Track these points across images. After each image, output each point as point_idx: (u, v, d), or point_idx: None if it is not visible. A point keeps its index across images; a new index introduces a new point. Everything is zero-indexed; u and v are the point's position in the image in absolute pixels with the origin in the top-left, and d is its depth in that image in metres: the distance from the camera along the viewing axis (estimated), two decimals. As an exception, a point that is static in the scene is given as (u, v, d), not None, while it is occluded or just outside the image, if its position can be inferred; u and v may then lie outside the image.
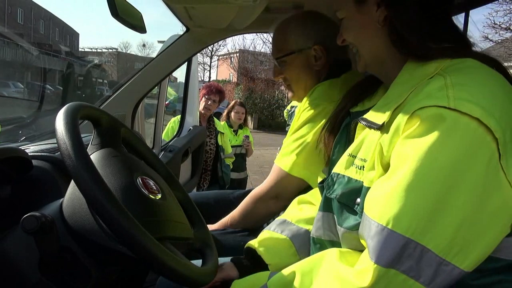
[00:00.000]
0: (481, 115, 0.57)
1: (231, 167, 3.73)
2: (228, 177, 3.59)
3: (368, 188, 0.67)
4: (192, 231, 0.83)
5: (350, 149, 0.77)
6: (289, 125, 9.28)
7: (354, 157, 0.74)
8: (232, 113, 3.95)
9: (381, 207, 0.61)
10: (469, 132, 0.58)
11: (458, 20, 0.85)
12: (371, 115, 0.73)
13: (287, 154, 1.22)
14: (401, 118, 0.64)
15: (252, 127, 15.28)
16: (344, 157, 0.77)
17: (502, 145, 0.58)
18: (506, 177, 0.58)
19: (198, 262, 0.82)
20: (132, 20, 1.19)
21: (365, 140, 0.73)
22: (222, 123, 3.82)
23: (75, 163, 0.59)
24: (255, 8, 1.43)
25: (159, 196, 0.75)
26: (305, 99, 1.24)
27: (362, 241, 0.66)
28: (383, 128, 0.68)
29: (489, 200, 0.58)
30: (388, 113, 0.68)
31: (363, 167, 0.70)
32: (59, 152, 1.08)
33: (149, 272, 1.19)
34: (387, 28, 0.74)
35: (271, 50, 1.40)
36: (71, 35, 32.16)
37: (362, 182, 0.70)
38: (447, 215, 0.57)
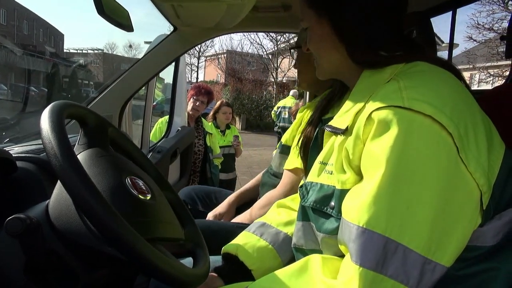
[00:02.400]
0: (433, 113, 0.60)
1: (220, 167, 3.71)
2: (217, 177, 3.57)
3: (341, 190, 0.69)
4: (182, 232, 0.81)
5: (320, 157, 0.79)
6: (277, 125, 9.29)
7: (325, 164, 0.76)
8: (220, 114, 3.93)
9: (359, 210, 0.62)
10: (424, 129, 0.61)
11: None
12: (335, 122, 0.76)
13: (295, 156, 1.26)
14: (360, 121, 0.66)
15: (240, 127, 15.26)
16: (316, 165, 0.79)
17: (458, 139, 0.60)
18: (467, 169, 0.60)
19: (186, 261, 0.81)
20: (119, 18, 1.17)
21: (334, 146, 0.74)
22: (210, 124, 3.79)
23: (62, 163, 0.57)
24: (244, 7, 1.42)
25: (149, 196, 0.74)
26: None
27: (342, 247, 0.67)
28: (346, 132, 0.70)
29: (455, 193, 0.60)
30: (350, 118, 0.70)
31: (332, 172, 0.72)
32: (44, 153, 1.06)
33: (138, 275, 1.17)
34: (342, 42, 0.77)
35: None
36: (56, 36, 31.70)
37: (334, 186, 0.71)
38: (419, 212, 0.59)
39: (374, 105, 0.64)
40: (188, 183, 3.14)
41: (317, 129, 0.89)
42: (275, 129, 8.41)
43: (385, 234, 0.58)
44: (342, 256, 0.68)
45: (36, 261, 0.66)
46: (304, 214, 0.81)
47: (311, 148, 0.89)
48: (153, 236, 0.67)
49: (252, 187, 1.71)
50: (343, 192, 0.68)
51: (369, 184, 0.62)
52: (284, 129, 7.81)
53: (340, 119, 0.74)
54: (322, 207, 0.73)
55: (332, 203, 0.71)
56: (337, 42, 0.77)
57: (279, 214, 1.06)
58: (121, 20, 1.19)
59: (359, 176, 0.67)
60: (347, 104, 0.75)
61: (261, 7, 1.76)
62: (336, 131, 0.73)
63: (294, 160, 1.27)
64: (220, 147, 3.76)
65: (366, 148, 0.65)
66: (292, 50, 1.49)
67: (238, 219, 1.42)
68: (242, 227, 1.32)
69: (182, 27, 1.77)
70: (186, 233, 0.83)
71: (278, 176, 1.43)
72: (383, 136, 0.62)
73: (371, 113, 0.64)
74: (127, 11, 1.25)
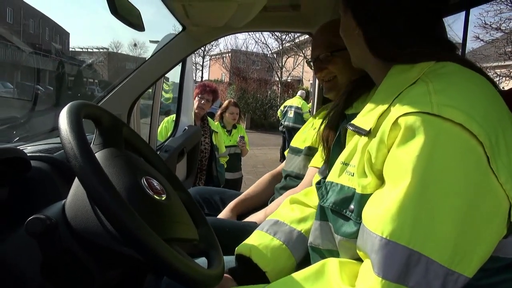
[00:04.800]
0: (463, 121, 0.58)
1: (225, 166, 3.71)
2: (223, 176, 3.57)
3: (361, 195, 0.68)
4: (196, 232, 0.81)
5: (342, 157, 0.77)
6: (282, 124, 9.24)
7: (347, 164, 0.74)
8: (227, 114, 3.93)
9: (382, 220, 0.60)
10: (453, 138, 0.58)
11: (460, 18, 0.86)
12: (358, 121, 0.74)
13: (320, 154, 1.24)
14: (385, 125, 0.64)
15: (245, 127, 15.23)
16: (337, 165, 0.77)
17: (489, 148, 0.58)
18: (497, 180, 0.58)
19: (200, 261, 0.81)
20: (131, 17, 1.17)
21: (357, 146, 0.73)
22: (216, 123, 3.80)
23: (82, 164, 0.57)
24: (254, 6, 1.42)
25: (164, 196, 0.74)
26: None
27: (361, 254, 0.65)
28: (370, 134, 0.69)
29: (482, 204, 0.58)
30: (374, 119, 0.68)
31: (354, 173, 0.71)
32: (57, 153, 1.07)
33: (147, 275, 1.17)
34: (363, 36, 0.77)
35: (311, 46, 1.40)
36: (62, 35, 31.84)
37: (354, 189, 0.70)
38: (444, 223, 0.57)
39: (401, 109, 0.62)
40: (195, 182, 3.15)
41: (341, 125, 0.87)
42: (280, 128, 8.41)
43: (409, 245, 0.57)
44: (359, 259, 0.67)
45: (53, 261, 0.67)
46: (322, 213, 0.80)
47: (334, 145, 0.87)
48: (169, 237, 0.67)
49: (253, 194, 1.67)
50: (364, 197, 0.67)
51: (394, 193, 0.60)
52: (289, 128, 7.85)
53: (364, 118, 0.72)
54: (341, 209, 0.72)
55: (352, 206, 0.69)
56: (358, 32, 0.77)
57: (292, 210, 1.04)
58: (133, 20, 1.19)
59: (381, 180, 0.66)
60: (371, 103, 0.73)
61: (270, 6, 1.75)
62: (359, 132, 0.71)
63: (321, 159, 1.25)
64: (226, 146, 3.76)
65: (391, 154, 0.63)
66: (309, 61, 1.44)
67: (252, 218, 1.40)
68: (255, 226, 1.32)
69: (191, 26, 1.77)
70: (200, 233, 0.83)
71: (301, 178, 1.41)
72: (409, 144, 0.60)
73: (397, 118, 0.62)
74: (138, 10, 1.25)
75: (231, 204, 1.59)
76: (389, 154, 0.63)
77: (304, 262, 0.93)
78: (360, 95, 0.89)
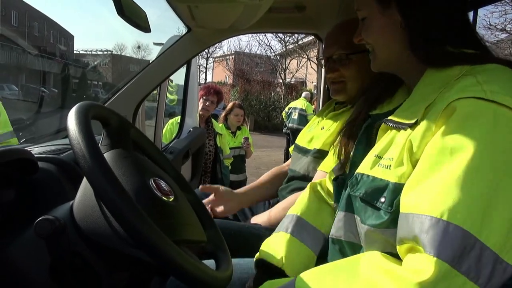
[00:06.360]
0: None
1: (230, 168, 3.71)
2: (228, 178, 3.57)
3: (395, 184, 0.66)
4: (204, 234, 0.81)
5: (376, 150, 0.76)
6: (286, 126, 9.19)
7: (380, 157, 0.73)
8: (231, 115, 3.93)
9: (431, 199, 0.58)
10: (510, 123, 0.59)
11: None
12: (398, 116, 0.74)
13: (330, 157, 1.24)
14: (434, 113, 0.64)
15: (248, 128, 15.23)
16: (370, 158, 0.76)
17: None
18: None
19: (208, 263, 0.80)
20: (137, 19, 1.17)
21: (394, 141, 0.73)
22: (220, 125, 3.80)
23: (91, 164, 0.57)
24: (260, 8, 1.41)
25: (172, 198, 0.73)
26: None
27: (403, 246, 0.62)
28: (414, 126, 0.68)
29: None
30: (421, 111, 0.68)
31: (390, 166, 0.69)
32: (64, 154, 1.07)
33: (153, 277, 1.17)
34: (407, 34, 0.75)
35: (323, 48, 1.37)
36: (66, 37, 32.01)
37: (388, 181, 0.68)
38: (500, 208, 0.56)
39: (453, 96, 0.62)
40: (199, 184, 3.15)
41: (365, 123, 0.87)
42: (284, 130, 8.39)
43: (464, 226, 0.55)
44: (386, 253, 0.65)
45: (61, 263, 0.66)
46: (348, 204, 0.79)
47: (357, 142, 0.87)
48: (178, 238, 0.67)
49: (261, 184, 1.65)
50: (398, 186, 0.66)
51: (443, 173, 0.59)
52: (292, 130, 7.83)
53: (406, 113, 0.72)
54: (372, 200, 0.70)
55: (383, 199, 0.68)
56: (399, 33, 0.76)
57: (319, 209, 1.01)
58: (139, 21, 1.19)
59: None
60: (411, 99, 0.74)
61: (275, 8, 1.75)
62: (400, 126, 0.71)
63: (331, 164, 1.23)
64: (231, 148, 3.76)
65: (437, 136, 0.62)
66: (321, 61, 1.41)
67: (256, 220, 1.39)
68: (260, 229, 1.30)
69: (196, 28, 1.77)
70: (207, 235, 0.82)
71: (307, 179, 1.38)
72: (465, 125, 0.60)
73: (450, 103, 0.62)
74: (144, 12, 1.26)
75: (244, 188, 1.58)
76: (434, 137, 0.63)
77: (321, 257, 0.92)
78: (385, 98, 0.88)
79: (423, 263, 0.55)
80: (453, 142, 0.60)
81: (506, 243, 0.55)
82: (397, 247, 0.63)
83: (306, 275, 0.70)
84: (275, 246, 0.93)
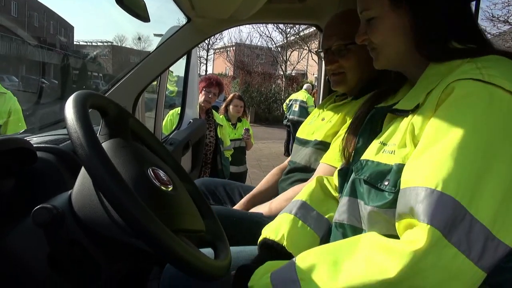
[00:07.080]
0: None
1: (230, 159, 3.71)
2: (228, 170, 3.57)
3: (399, 165, 0.68)
4: (203, 223, 0.81)
5: (381, 138, 0.78)
6: (286, 118, 9.19)
7: (385, 144, 0.76)
8: (231, 107, 3.92)
9: (427, 172, 0.60)
10: (505, 103, 0.62)
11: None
12: (402, 105, 0.77)
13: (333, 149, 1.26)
14: (435, 95, 0.68)
15: (249, 120, 15.21)
16: (375, 145, 0.78)
17: None
18: None
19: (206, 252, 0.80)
20: (136, 8, 1.16)
21: (397, 128, 0.75)
22: (221, 116, 3.79)
23: (88, 153, 0.56)
24: (261, -3, 1.40)
25: (171, 187, 0.73)
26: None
27: (401, 222, 0.64)
28: (416, 110, 0.71)
29: None
30: (422, 96, 0.71)
31: (394, 151, 0.72)
32: (63, 144, 1.07)
33: (153, 267, 1.17)
34: (414, 33, 0.78)
35: (333, 36, 1.35)
36: (66, 28, 31.86)
37: (392, 165, 0.70)
38: (490, 184, 0.58)
39: (453, 78, 0.66)
40: (200, 175, 3.15)
41: (369, 114, 0.89)
42: (285, 122, 8.38)
43: (456, 197, 0.57)
44: (387, 235, 0.67)
45: (59, 251, 0.66)
46: (352, 190, 0.81)
47: (360, 132, 0.89)
48: (177, 228, 0.67)
49: (263, 189, 1.63)
50: (401, 167, 0.68)
51: (438, 147, 0.61)
52: (293, 122, 7.83)
53: (409, 102, 0.75)
54: (376, 183, 0.72)
55: (387, 182, 0.70)
56: (407, 32, 0.78)
57: (324, 199, 1.01)
58: (138, 10, 1.18)
59: None
60: (415, 89, 0.76)
61: (275, -2, 1.74)
62: (403, 114, 0.74)
63: (334, 156, 1.23)
64: (231, 140, 3.75)
65: (437, 114, 0.65)
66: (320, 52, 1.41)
67: (257, 210, 1.39)
68: (261, 217, 1.30)
69: (196, 18, 1.76)
70: (206, 224, 0.82)
71: (309, 170, 1.38)
72: (462, 104, 0.63)
73: (449, 84, 0.65)
74: (143, 1, 1.24)
75: (245, 198, 1.58)
76: (434, 115, 0.66)
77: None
78: (390, 94, 0.91)
79: (417, 233, 0.58)
80: (449, 120, 0.63)
81: (497, 219, 0.57)
82: (396, 224, 0.65)
83: (306, 253, 0.73)
84: (278, 225, 0.94)
